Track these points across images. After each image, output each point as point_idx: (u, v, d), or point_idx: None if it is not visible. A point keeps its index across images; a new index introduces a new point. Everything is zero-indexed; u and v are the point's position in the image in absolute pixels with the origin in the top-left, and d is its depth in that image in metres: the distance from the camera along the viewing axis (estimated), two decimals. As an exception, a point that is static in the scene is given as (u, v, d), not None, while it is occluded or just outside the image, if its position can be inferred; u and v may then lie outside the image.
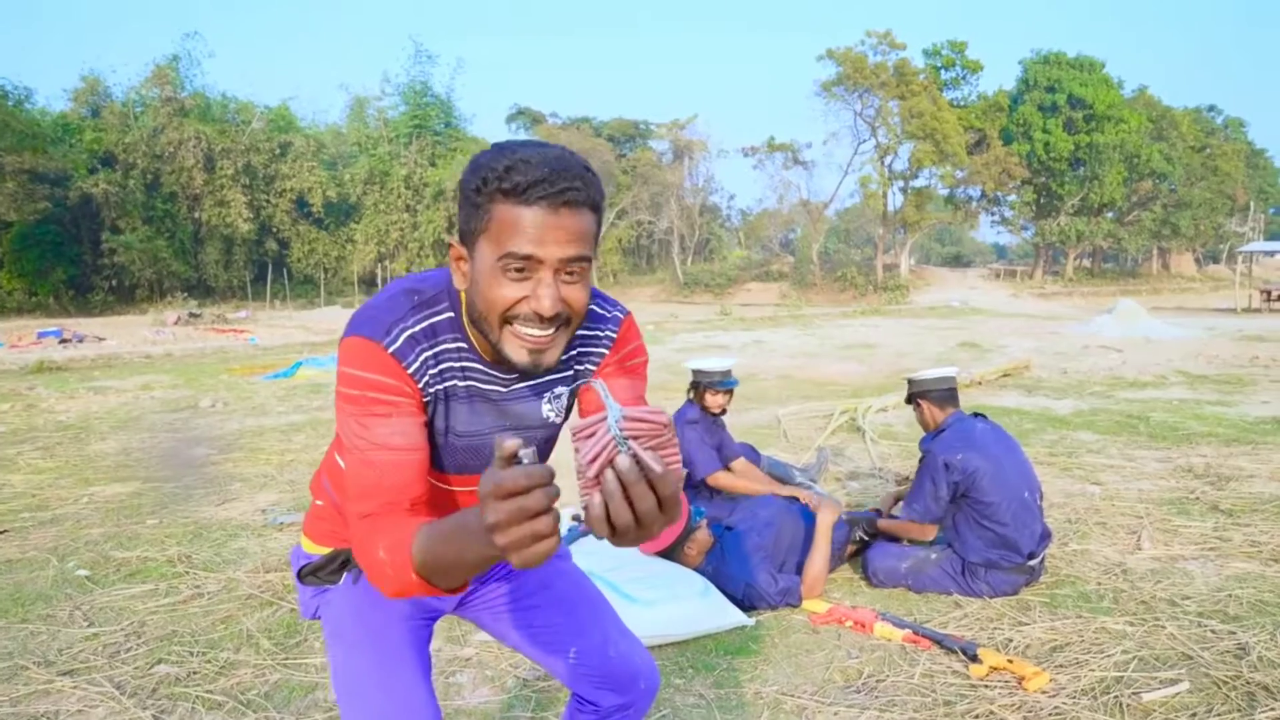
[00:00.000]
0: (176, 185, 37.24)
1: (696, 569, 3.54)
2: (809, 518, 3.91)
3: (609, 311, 1.50)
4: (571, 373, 1.47)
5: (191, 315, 26.91)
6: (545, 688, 2.82)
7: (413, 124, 45.62)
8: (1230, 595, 3.50)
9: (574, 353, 1.46)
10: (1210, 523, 4.45)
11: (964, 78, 46.99)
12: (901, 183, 46.86)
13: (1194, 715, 2.58)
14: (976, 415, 3.92)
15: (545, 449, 1.52)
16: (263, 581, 3.79)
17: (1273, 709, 2.59)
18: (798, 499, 4.10)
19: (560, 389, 1.46)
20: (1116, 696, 2.68)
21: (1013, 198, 48.83)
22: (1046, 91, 45.96)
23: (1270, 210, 58.19)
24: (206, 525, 4.74)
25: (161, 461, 6.48)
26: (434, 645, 3.14)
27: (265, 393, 10.44)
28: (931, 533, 3.84)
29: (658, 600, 3.13)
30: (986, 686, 2.77)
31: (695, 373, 4.63)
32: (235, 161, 38.48)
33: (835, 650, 3.09)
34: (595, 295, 1.44)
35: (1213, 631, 3.16)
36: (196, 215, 38.24)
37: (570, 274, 1.25)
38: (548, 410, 1.46)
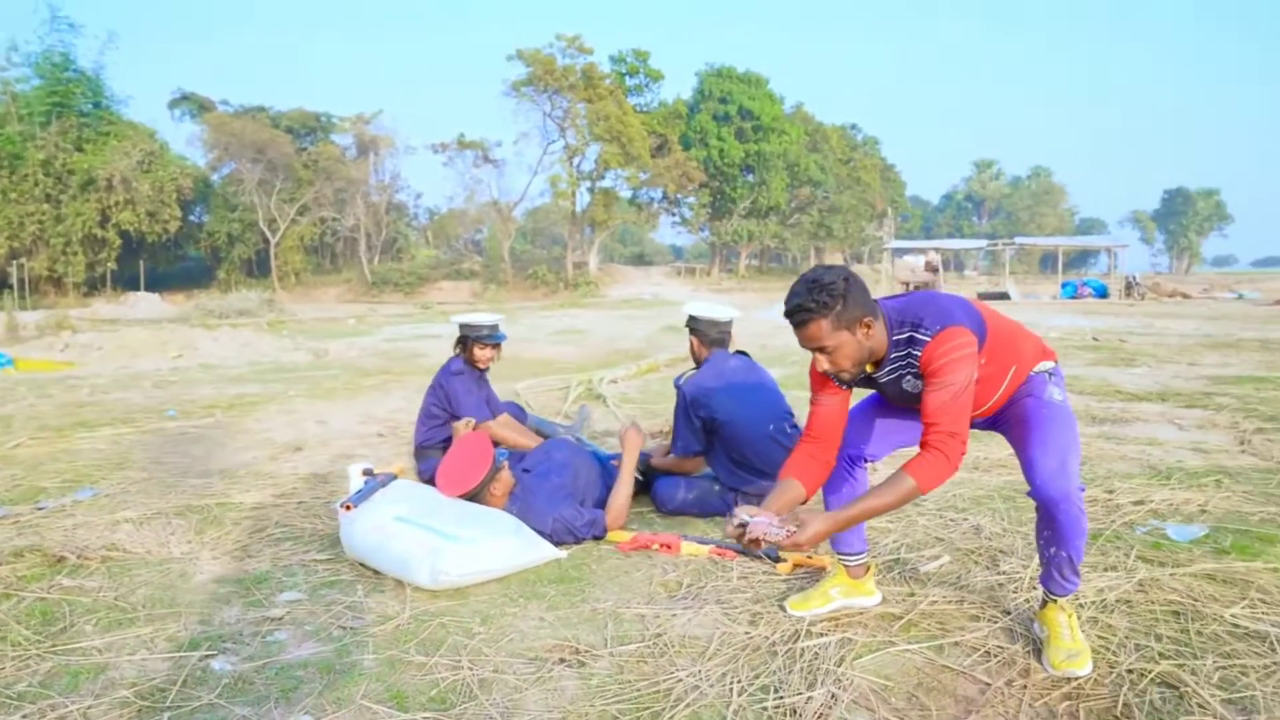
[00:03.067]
0: None
1: (503, 509, 3.53)
2: (600, 458, 4.05)
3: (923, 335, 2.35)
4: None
5: None
6: (377, 633, 2.69)
7: (51, 101, 39.83)
8: (955, 494, 4.11)
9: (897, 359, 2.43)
10: (922, 446, 5.17)
11: (647, 85, 49.76)
12: (589, 183, 48.57)
13: (959, 576, 3.04)
14: (737, 353, 4.24)
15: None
16: (-12, 574, 3.22)
17: (1011, 563, 3.13)
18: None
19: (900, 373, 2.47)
20: (902, 572, 3.08)
21: (691, 200, 52.49)
22: (720, 102, 49.94)
23: (900, 218, 67.57)
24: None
25: None
26: (235, 612, 2.89)
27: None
28: (700, 465, 4.10)
29: (477, 538, 3.09)
30: (798, 579, 3.05)
31: (463, 327, 4.62)
32: None
33: (652, 569, 3.24)
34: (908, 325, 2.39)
35: (951, 520, 3.71)
36: None
37: (823, 350, 2.36)
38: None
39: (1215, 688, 2.21)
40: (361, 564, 3.26)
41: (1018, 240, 39.69)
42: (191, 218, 48.75)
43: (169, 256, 48.62)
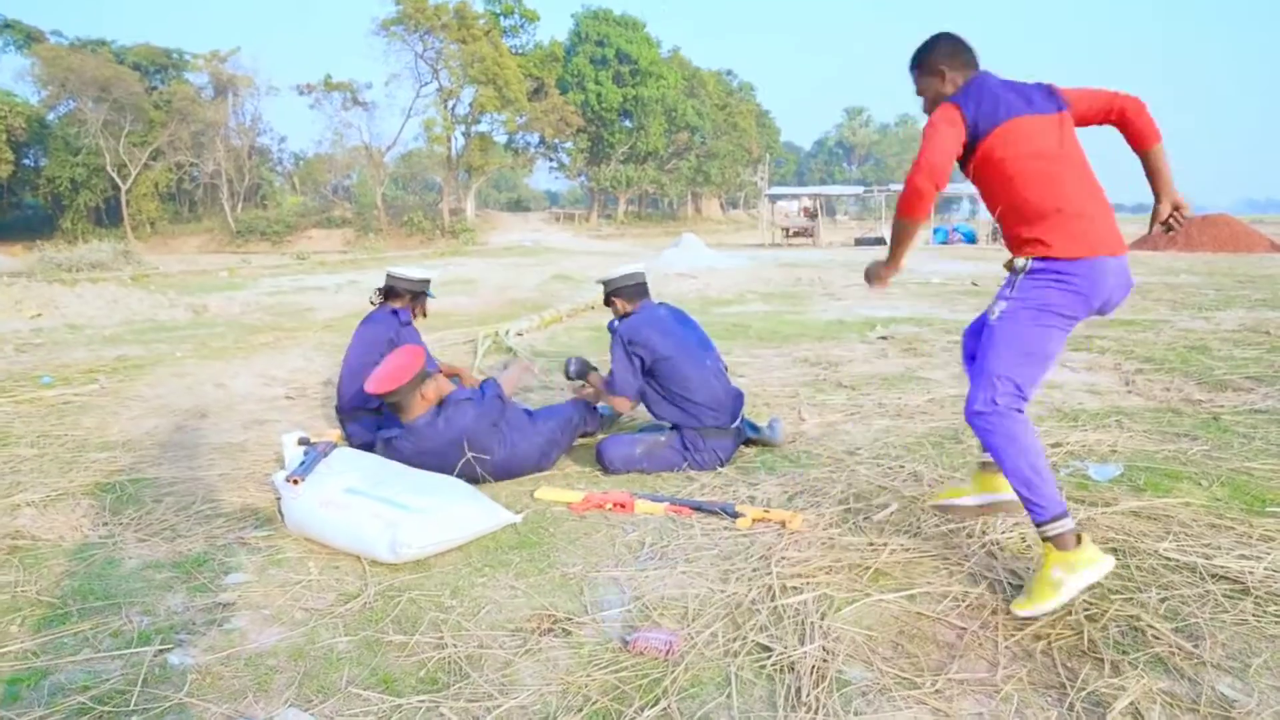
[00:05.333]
0: None
1: (437, 425, 3.58)
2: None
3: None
4: None
5: None
6: (344, 613, 2.58)
7: None
8: (883, 443, 4.24)
9: None
10: (843, 396, 5.31)
11: (522, 26, 48.39)
12: (465, 127, 47.19)
13: (909, 523, 3.15)
14: (660, 304, 4.25)
15: None
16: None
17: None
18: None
19: None
20: (855, 522, 3.17)
21: (569, 145, 51.77)
22: (597, 45, 49.15)
23: (775, 163, 68.67)
24: None
25: None
26: (180, 599, 2.72)
27: None
28: (628, 404, 4.09)
29: (435, 507, 3.00)
30: (759, 534, 3.09)
31: (403, 280, 4.58)
32: None
33: (611, 530, 3.22)
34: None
35: (889, 468, 3.83)
36: None
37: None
38: None
39: (1164, 619, 2.37)
40: (308, 539, 3.12)
41: (892, 187, 40.95)
42: (26, 161, 44.96)
43: (1, 205, 44.83)
